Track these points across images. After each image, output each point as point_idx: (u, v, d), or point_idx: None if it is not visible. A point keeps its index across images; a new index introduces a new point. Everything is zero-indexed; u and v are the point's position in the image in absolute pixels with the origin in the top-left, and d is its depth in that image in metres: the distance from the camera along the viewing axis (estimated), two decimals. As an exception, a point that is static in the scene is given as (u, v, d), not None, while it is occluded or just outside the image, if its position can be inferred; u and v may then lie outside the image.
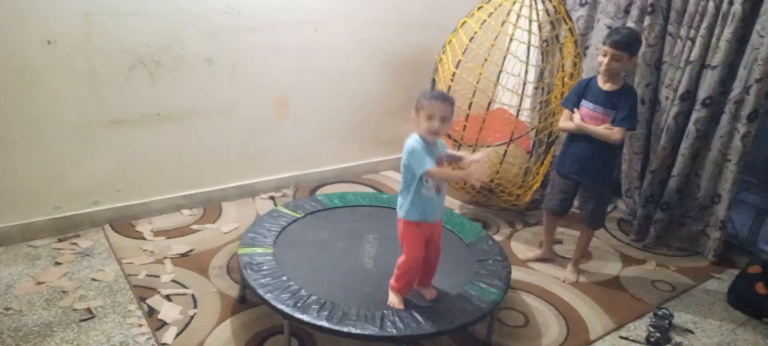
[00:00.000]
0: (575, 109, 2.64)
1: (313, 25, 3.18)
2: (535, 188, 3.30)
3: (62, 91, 2.62)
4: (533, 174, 3.30)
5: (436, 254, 2.24)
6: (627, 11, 3.27)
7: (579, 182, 2.69)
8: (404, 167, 2.08)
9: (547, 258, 2.93)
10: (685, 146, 3.03)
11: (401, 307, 2.17)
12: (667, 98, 3.14)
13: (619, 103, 2.52)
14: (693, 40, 2.96)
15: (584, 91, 2.62)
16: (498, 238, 3.09)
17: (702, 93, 2.94)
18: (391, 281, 2.22)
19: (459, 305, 2.18)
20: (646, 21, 3.14)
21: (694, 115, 2.98)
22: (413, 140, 2.04)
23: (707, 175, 3.05)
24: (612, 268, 2.96)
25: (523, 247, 3.06)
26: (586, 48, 3.49)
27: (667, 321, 2.54)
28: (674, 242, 3.22)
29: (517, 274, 2.73)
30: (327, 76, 3.36)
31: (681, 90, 3.01)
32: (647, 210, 3.24)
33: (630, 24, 3.22)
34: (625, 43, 2.45)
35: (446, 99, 2.03)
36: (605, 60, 2.49)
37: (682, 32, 3.04)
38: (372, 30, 3.41)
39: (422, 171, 2.00)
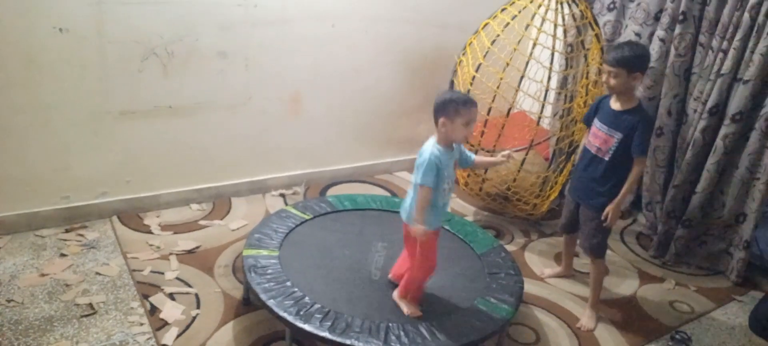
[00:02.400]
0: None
1: (330, 20, 3.10)
2: (552, 197, 3.20)
3: (72, 81, 2.59)
4: (551, 183, 3.20)
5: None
6: (657, 18, 3.14)
7: (581, 201, 2.53)
8: (415, 170, 2.04)
9: (566, 275, 2.83)
10: (711, 162, 2.91)
11: (420, 314, 2.15)
12: (695, 111, 3.02)
13: (627, 125, 2.32)
14: (725, 52, 2.83)
15: (597, 107, 2.49)
16: (511, 248, 3.01)
17: (732, 108, 2.81)
18: (400, 292, 2.18)
19: (468, 321, 2.11)
20: (677, 29, 3.01)
21: (723, 131, 2.85)
22: (432, 149, 2.00)
23: (733, 193, 2.93)
24: (628, 285, 2.86)
25: (537, 258, 2.97)
26: (612, 54, 3.36)
27: (684, 345, 2.44)
28: (695, 261, 3.10)
29: (529, 287, 2.65)
30: (342, 73, 3.28)
31: (710, 103, 2.88)
32: (668, 226, 3.12)
33: (659, 32, 3.09)
34: (618, 60, 2.28)
35: (476, 102, 2.03)
36: (603, 77, 2.37)
37: (714, 43, 2.91)
38: (389, 27, 3.32)
39: (421, 182, 1.97)
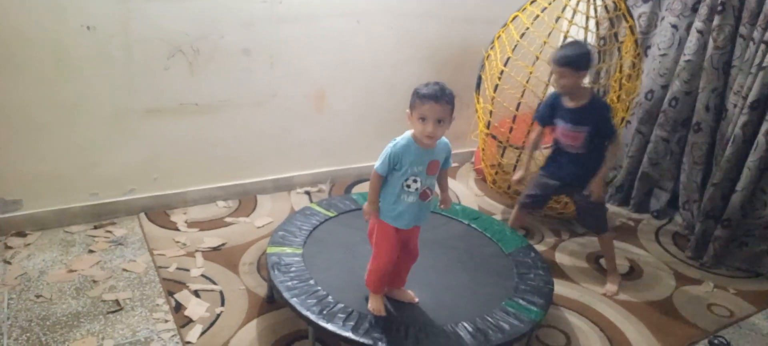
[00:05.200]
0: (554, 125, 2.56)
1: (355, 16, 3.07)
2: (583, 195, 3.10)
3: (100, 78, 2.61)
4: (582, 181, 3.11)
5: (412, 258, 2.11)
6: (694, 9, 3.02)
7: (566, 187, 2.62)
8: None
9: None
10: (752, 159, 2.78)
11: (382, 313, 2.02)
12: (734, 106, 2.89)
13: (590, 119, 2.44)
14: (767, 44, 2.70)
15: (553, 106, 2.55)
16: (541, 248, 2.93)
17: (775, 102, 2.69)
18: (366, 278, 2.08)
19: (495, 323, 2.05)
20: (716, 20, 2.89)
21: (765, 126, 2.72)
22: (400, 139, 1.89)
23: (776, 191, 2.80)
24: (664, 287, 2.75)
25: (568, 259, 2.88)
26: (648, 48, 3.25)
27: (723, 351, 2.34)
28: (734, 262, 2.97)
29: (559, 289, 2.57)
30: (367, 69, 3.25)
31: (751, 98, 2.75)
32: (706, 226, 3.00)
33: (697, 23, 2.97)
34: (565, 61, 2.37)
35: (442, 98, 1.80)
36: (561, 80, 2.43)
37: (756, 34, 2.78)
38: (415, 23, 3.27)
39: (375, 165, 1.90)
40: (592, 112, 2.45)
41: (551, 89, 2.93)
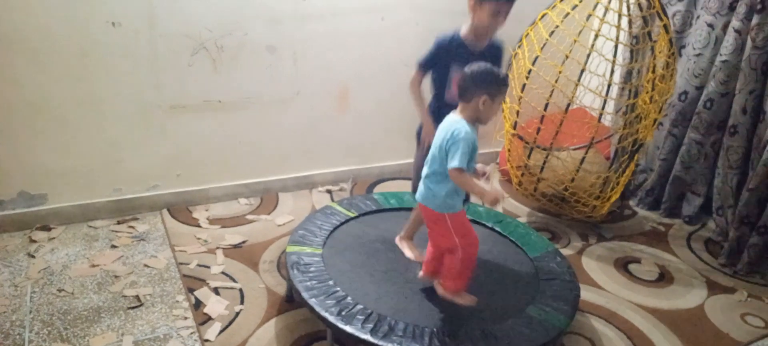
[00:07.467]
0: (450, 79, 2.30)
1: (380, 13, 3.03)
2: (613, 199, 3.01)
3: (125, 74, 2.62)
4: (612, 184, 3.02)
5: None
6: (732, 8, 2.90)
7: None
8: (441, 151, 1.90)
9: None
10: (792, 164, 2.66)
11: (475, 300, 2.06)
12: (774, 108, 2.78)
13: (494, 56, 2.29)
14: (811, 44, 2.58)
15: (447, 55, 2.29)
16: (567, 252, 2.85)
17: (818, 105, 2.56)
18: (447, 283, 2.06)
19: (519, 330, 1.99)
20: (755, 19, 2.77)
21: (806, 130, 2.61)
22: (462, 127, 1.86)
23: (817, 198, 2.67)
24: (696, 295, 2.65)
25: (595, 264, 2.80)
26: (682, 47, 3.14)
27: (758, 364, 2.24)
28: (771, 271, 2.86)
29: (585, 294, 2.49)
30: (391, 67, 3.20)
31: (792, 100, 2.64)
32: (741, 232, 2.88)
33: (735, 22, 2.85)
34: None
35: None
36: (500, 19, 2.20)
37: (798, 34, 2.66)
38: (441, 19, 3.17)
39: (453, 165, 1.83)
40: (492, 53, 2.28)
41: (585, 94, 2.85)
